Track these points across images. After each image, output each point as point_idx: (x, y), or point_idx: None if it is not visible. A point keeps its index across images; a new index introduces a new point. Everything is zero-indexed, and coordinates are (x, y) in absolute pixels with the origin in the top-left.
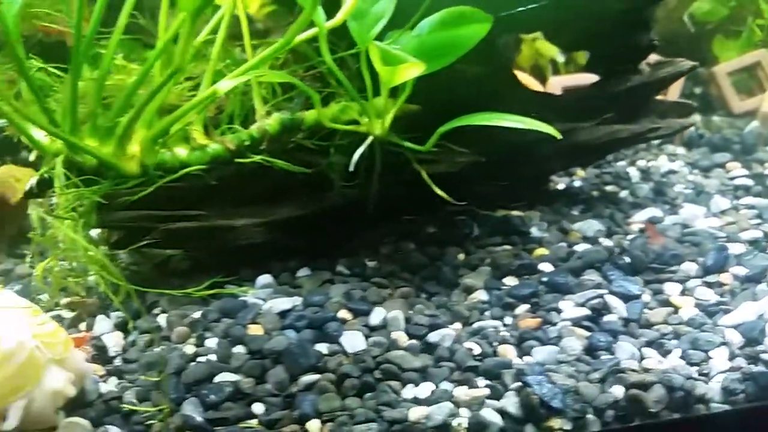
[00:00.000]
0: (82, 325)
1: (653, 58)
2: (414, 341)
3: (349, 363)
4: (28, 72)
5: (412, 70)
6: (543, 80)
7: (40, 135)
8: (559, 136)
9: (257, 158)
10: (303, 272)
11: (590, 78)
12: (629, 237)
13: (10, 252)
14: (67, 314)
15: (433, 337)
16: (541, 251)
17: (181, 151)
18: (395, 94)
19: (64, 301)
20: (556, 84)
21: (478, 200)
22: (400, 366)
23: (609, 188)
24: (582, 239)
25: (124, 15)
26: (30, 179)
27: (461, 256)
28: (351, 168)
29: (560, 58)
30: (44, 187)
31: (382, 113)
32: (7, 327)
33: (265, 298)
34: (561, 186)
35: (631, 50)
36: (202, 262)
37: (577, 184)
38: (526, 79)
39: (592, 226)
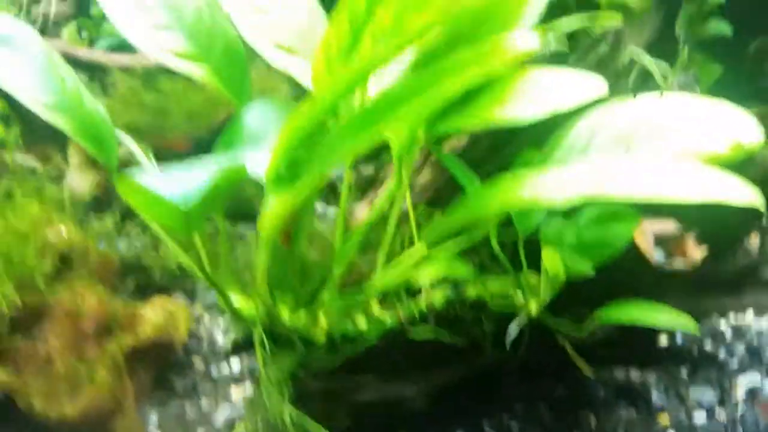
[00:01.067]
0: None
1: None
2: None
3: None
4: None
5: (578, 272)
6: None
7: (236, 299)
8: (697, 332)
9: (428, 334)
10: None
11: (671, 225)
12: (739, 408)
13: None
14: None
15: None
16: (665, 419)
17: (360, 322)
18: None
19: None
20: (645, 229)
21: (598, 360)
22: None
23: (707, 347)
24: (698, 406)
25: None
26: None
27: (593, 422)
28: (507, 347)
29: None
30: (239, 349)
31: (538, 293)
32: None
33: None
34: (663, 341)
35: (745, 233)
36: (364, 425)
37: (677, 340)
38: None
39: (704, 394)
